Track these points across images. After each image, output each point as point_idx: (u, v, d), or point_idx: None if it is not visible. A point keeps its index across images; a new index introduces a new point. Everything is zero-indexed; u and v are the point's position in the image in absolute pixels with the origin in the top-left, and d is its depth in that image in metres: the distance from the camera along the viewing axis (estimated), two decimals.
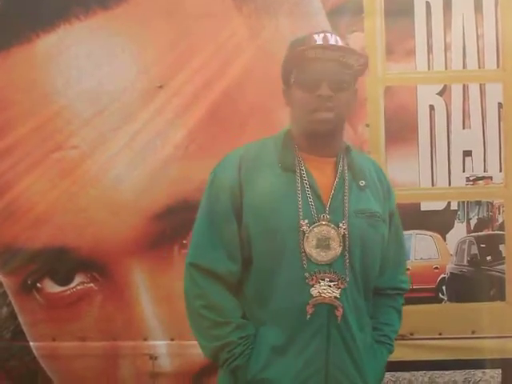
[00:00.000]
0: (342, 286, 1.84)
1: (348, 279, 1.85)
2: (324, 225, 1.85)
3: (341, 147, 1.95)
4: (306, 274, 1.82)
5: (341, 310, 1.83)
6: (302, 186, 1.87)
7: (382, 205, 1.94)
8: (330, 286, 1.83)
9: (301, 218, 1.84)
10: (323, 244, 1.84)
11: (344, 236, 1.85)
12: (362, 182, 1.92)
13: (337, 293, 1.83)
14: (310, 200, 1.86)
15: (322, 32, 1.89)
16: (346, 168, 1.92)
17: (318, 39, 1.86)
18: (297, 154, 1.91)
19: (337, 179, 1.90)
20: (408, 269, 2.77)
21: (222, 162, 1.95)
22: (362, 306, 1.91)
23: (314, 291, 1.82)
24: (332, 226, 1.85)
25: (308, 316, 1.82)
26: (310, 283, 1.83)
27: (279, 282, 1.85)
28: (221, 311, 1.87)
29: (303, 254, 1.83)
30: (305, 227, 1.84)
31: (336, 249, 1.85)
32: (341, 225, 1.86)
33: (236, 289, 1.90)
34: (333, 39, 1.87)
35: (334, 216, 1.87)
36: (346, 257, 1.86)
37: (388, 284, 2.01)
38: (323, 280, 1.83)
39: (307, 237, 1.84)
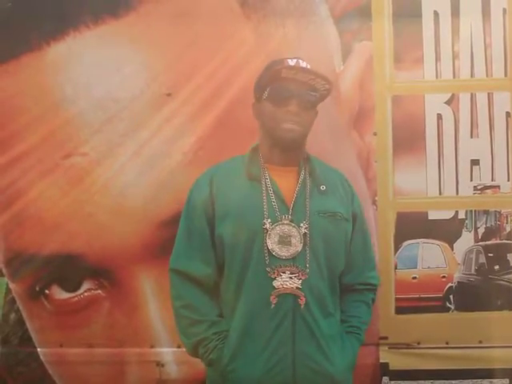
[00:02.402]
0: (303, 278, 2.08)
1: (310, 271, 2.09)
2: (286, 224, 2.11)
3: (302, 157, 2.20)
4: (268, 269, 2.08)
5: (303, 298, 2.08)
6: (267, 192, 2.13)
7: (344, 207, 2.19)
8: (291, 277, 2.08)
9: (265, 217, 2.10)
10: (285, 241, 2.09)
11: (305, 234, 2.10)
12: (323, 187, 2.17)
13: (298, 283, 2.08)
14: (274, 204, 2.12)
15: (295, 58, 2.13)
16: (307, 175, 2.18)
17: (291, 63, 2.11)
18: (262, 165, 2.18)
19: (299, 185, 2.16)
20: (415, 277, 2.82)
21: (197, 180, 2.24)
22: (327, 295, 2.14)
23: (276, 283, 2.07)
24: (293, 225, 2.11)
25: (272, 306, 2.07)
26: (272, 276, 2.07)
27: (248, 278, 2.10)
28: (197, 310, 2.14)
29: (266, 250, 2.09)
30: (268, 225, 2.10)
31: (297, 245, 2.10)
32: (302, 224, 2.11)
33: (213, 290, 2.17)
34: (304, 64, 2.12)
35: (297, 216, 2.12)
36: (307, 251, 2.10)
37: (356, 280, 2.23)
38: (284, 273, 2.08)
39: (270, 234, 2.09)
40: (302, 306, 2.08)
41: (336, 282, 2.20)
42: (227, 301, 2.16)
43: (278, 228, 2.10)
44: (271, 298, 2.07)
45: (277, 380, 2.08)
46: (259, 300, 2.08)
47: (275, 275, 2.07)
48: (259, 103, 2.18)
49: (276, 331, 2.08)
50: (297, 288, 2.08)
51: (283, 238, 2.09)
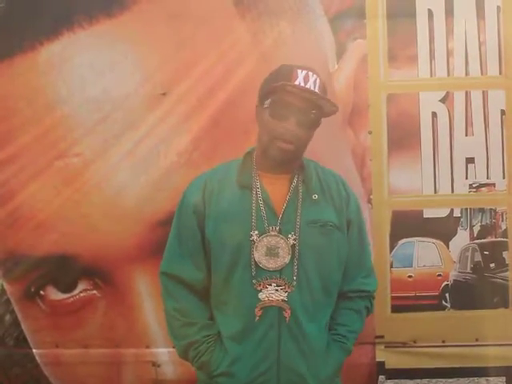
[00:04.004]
0: (289, 290, 2.05)
1: (298, 284, 2.06)
2: (273, 235, 2.07)
3: (296, 165, 2.14)
4: (254, 281, 2.05)
5: (288, 311, 2.05)
6: (257, 201, 2.09)
7: (337, 214, 2.14)
8: (277, 290, 2.05)
9: (252, 229, 2.06)
10: (272, 252, 2.06)
11: (293, 246, 2.06)
12: (315, 196, 2.12)
13: (284, 296, 2.05)
14: (263, 213, 2.08)
15: (306, 69, 2.05)
16: (300, 183, 2.13)
17: (300, 75, 2.03)
18: (254, 172, 2.13)
19: (290, 193, 2.11)
20: (410, 276, 2.82)
21: (191, 183, 2.20)
22: (319, 307, 2.10)
23: (261, 295, 2.05)
24: (281, 236, 2.07)
25: (257, 318, 2.04)
26: (258, 288, 2.05)
27: (233, 288, 2.07)
28: (188, 313, 2.12)
29: (253, 262, 2.05)
30: (255, 237, 2.06)
31: (285, 257, 2.06)
32: (290, 236, 2.07)
33: (204, 294, 2.14)
34: (313, 79, 2.04)
35: (286, 227, 2.08)
36: (295, 264, 2.06)
37: (348, 287, 2.18)
38: (270, 285, 2.05)
39: (257, 246, 2.06)
40: (288, 319, 2.05)
41: (332, 292, 2.15)
42: (215, 306, 2.14)
43: (265, 240, 2.06)
44: (256, 310, 2.04)
45: None
46: (245, 311, 2.06)
47: (261, 287, 2.05)
48: (261, 109, 2.10)
49: (261, 343, 2.05)
50: (282, 301, 2.04)
51: (271, 250, 2.05)
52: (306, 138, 2.09)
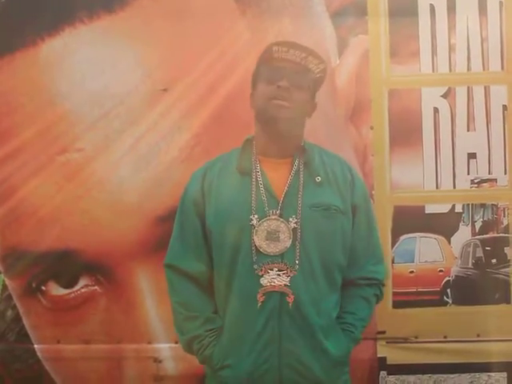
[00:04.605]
0: (292, 275, 2.03)
1: (300, 268, 2.04)
2: (273, 219, 2.05)
3: (297, 148, 2.13)
4: (255, 266, 2.04)
5: (292, 296, 2.03)
6: (257, 186, 2.08)
7: (342, 198, 2.12)
8: (279, 274, 2.03)
9: (252, 213, 2.05)
10: (273, 237, 2.04)
11: (295, 229, 2.04)
12: (318, 178, 2.11)
13: (286, 281, 2.03)
14: (264, 198, 2.07)
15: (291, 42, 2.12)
16: (301, 166, 2.11)
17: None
18: (254, 157, 2.13)
19: (291, 177, 2.10)
20: (412, 271, 2.82)
21: (192, 175, 2.22)
22: (320, 292, 2.08)
23: (263, 281, 2.03)
24: (281, 220, 2.05)
25: (259, 304, 2.03)
26: (260, 274, 2.03)
27: (236, 275, 2.06)
28: (191, 306, 2.13)
29: (253, 247, 2.04)
30: (254, 221, 2.05)
31: (286, 241, 2.05)
32: (291, 219, 2.05)
33: (208, 286, 2.14)
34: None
35: (287, 210, 2.06)
36: (297, 247, 2.04)
37: (357, 274, 2.17)
38: (272, 270, 2.03)
39: (257, 230, 2.04)
40: (291, 304, 2.04)
41: (335, 278, 2.13)
42: (219, 297, 2.14)
43: (265, 224, 2.05)
44: (258, 295, 2.03)
45: (264, 379, 2.05)
46: (247, 298, 2.05)
47: (262, 272, 2.04)
48: (254, 89, 2.14)
49: (263, 329, 2.05)
50: (285, 285, 2.03)
51: (271, 234, 2.04)
52: (300, 101, 2.08)
